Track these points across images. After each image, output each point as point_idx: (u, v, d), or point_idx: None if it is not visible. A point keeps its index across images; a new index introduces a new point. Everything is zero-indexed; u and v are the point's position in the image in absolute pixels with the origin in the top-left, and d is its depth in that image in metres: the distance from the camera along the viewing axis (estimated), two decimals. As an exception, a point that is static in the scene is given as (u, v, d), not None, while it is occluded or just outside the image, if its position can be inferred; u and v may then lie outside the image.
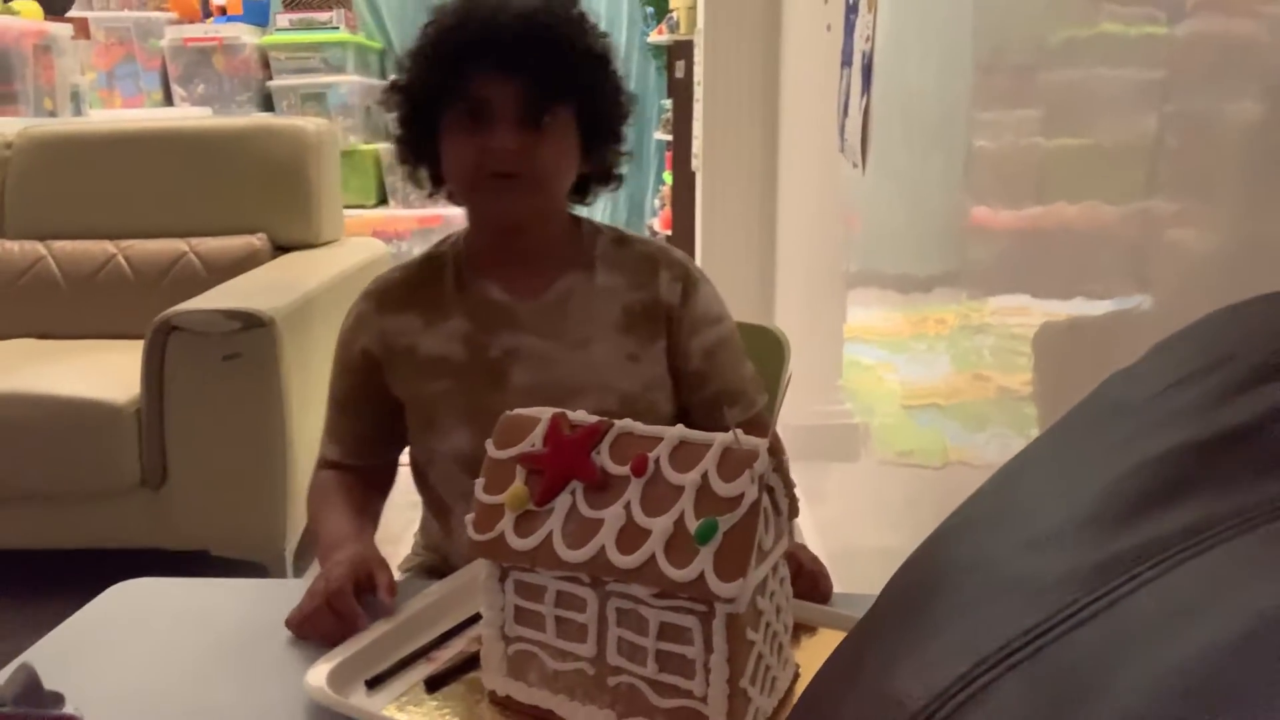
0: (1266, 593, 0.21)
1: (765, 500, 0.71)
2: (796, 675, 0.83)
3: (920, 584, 0.29)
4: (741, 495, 0.70)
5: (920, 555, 0.31)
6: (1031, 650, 0.23)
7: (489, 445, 0.81)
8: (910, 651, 0.26)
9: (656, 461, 0.74)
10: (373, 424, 1.15)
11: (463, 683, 0.84)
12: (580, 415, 0.80)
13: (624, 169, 1.16)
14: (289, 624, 0.93)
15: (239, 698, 0.85)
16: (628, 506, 0.73)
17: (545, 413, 0.81)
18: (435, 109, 1.06)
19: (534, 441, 0.79)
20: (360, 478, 1.16)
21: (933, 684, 0.24)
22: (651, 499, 0.73)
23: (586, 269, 1.13)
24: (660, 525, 0.71)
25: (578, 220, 1.17)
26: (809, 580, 0.96)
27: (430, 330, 1.11)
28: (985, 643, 0.24)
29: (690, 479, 0.72)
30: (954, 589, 0.27)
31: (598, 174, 1.14)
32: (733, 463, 0.72)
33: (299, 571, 2.40)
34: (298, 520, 2.32)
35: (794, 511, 0.79)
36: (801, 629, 0.89)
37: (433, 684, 0.84)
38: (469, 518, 0.78)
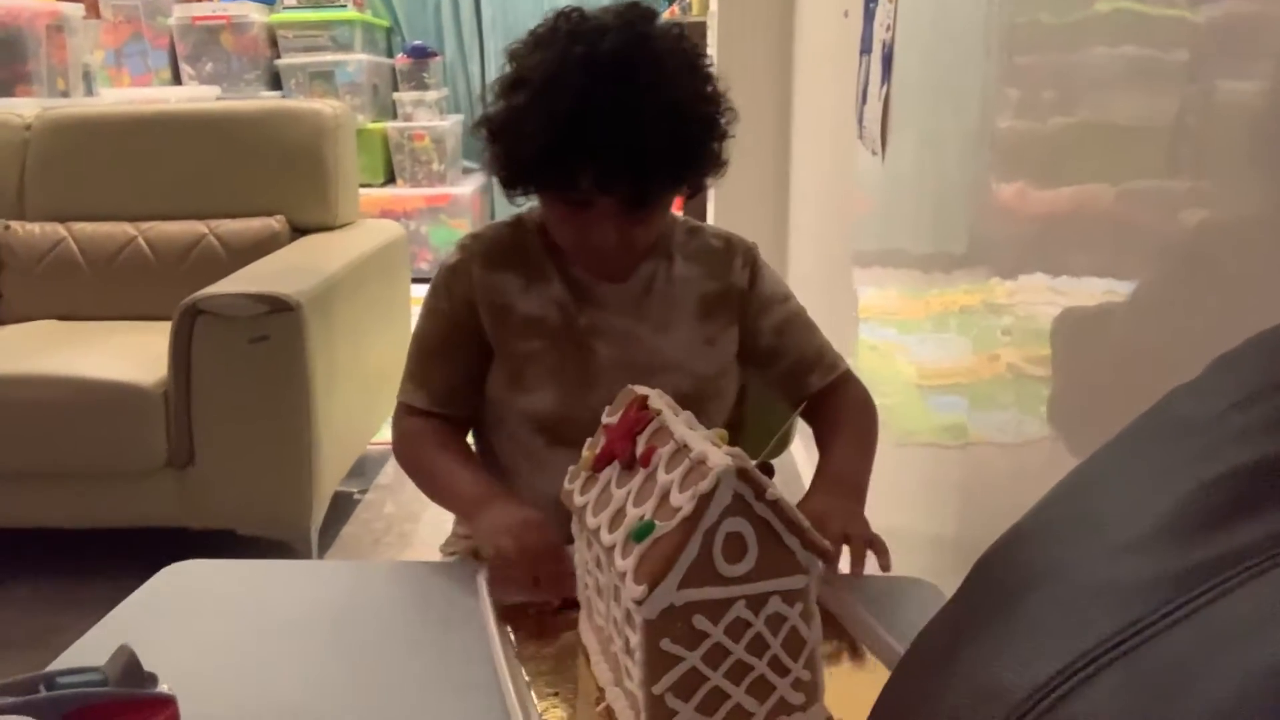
0: None
1: (746, 528, 0.70)
2: None
3: (1007, 582, 0.32)
4: (679, 509, 0.70)
5: (1000, 555, 0.34)
6: (1128, 647, 0.26)
7: (606, 410, 0.89)
8: (1008, 646, 0.29)
9: (660, 457, 0.77)
10: (464, 372, 1.17)
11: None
12: (656, 396, 0.86)
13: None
14: (493, 584, 0.98)
15: (297, 675, 0.88)
16: (629, 492, 0.78)
17: (647, 392, 0.87)
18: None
19: (615, 415, 0.87)
20: (449, 428, 1.18)
21: (1034, 676, 0.27)
22: (643, 490, 0.77)
23: (666, 258, 1.18)
24: (633, 515, 0.75)
25: None
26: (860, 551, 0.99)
27: (529, 291, 1.15)
28: (1082, 639, 0.27)
29: (667, 480, 0.73)
30: (1045, 588, 0.30)
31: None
32: (695, 476, 0.71)
33: (323, 550, 2.43)
34: (323, 499, 2.36)
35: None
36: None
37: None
38: (573, 469, 0.88)
